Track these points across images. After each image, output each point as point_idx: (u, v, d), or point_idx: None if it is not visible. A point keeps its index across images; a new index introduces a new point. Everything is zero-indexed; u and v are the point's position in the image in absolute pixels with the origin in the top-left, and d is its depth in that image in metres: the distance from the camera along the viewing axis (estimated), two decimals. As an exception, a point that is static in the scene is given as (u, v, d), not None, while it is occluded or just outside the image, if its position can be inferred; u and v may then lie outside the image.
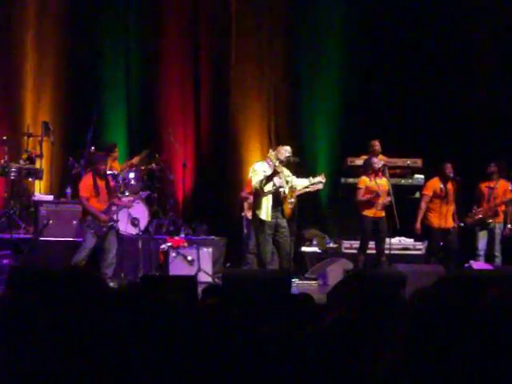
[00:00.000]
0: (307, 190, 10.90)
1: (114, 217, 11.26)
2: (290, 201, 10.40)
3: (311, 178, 10.75)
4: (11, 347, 3.44)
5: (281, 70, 14.93)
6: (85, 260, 10.92)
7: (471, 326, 3.09)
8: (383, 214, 11.31)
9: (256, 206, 10.38)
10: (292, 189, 10.44)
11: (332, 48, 14.79)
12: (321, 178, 10.74)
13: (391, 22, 14.35)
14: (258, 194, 10.27)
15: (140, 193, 12.23)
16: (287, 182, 10.36)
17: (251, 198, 11.49)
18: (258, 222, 10.36)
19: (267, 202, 10.24)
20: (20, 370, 3.29)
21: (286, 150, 10.51)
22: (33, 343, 3.35)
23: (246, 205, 12.03)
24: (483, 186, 12.04)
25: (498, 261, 11.79)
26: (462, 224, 11.90)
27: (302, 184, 10.69)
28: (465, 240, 11.99)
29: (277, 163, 10.18)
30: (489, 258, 11.85)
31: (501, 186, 11.96)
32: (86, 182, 11.17)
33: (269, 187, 10.20)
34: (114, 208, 11.21)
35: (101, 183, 11.11)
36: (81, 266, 10.74)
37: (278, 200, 10.28)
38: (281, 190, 10.25)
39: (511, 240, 12.09)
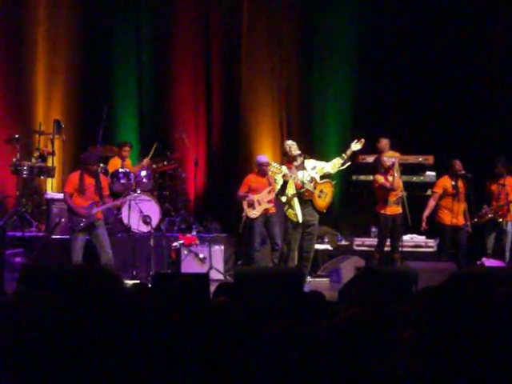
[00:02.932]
0: (347, 165, 10.97)
1: (108, 215, 11.31)
2: (320, 194, 10.60)
3: (343, 154, 10.84)
4: (24, 344, 3.45)
5: (292, 68, 14.92)
6: (80, 256, 10.82)
7: (483, 323, 3.08)
8: (400, 210, 11.29)
9: (287, 210, 10.72)
10: (318, 183, 10.59)
11: (344, 46, 14.75)
12: (353, 147, 10.85)
13: (403, 20, 14.31)
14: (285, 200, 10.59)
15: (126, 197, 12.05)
16: (311, 180, 10.52)
17: (250, 196, 11.56)
18: (293, 223, 10.69)
19: (295, 205, 10.46)
20: (32, 365, 3.31)
21: (288, 146, 10.80)
22: (45, 341, 3.36)
23: (244, 204, 11.98)
24: (493, 185, 11.98)
25: (507, 259, 11.76)
26: (474, 221, 11.85)
27: (335, 165, 10.81)
28: (476, 238, 11.95)
29: (284, 171, 10.39)
30: (498, 255, 11.79)
31: (510, 183, 11.91)
32: (71, 179, 11.06)
33: (291, 191, 10.42)
34: (100, 206, 11.03)
35: (89, 181, 10.98)
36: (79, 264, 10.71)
37: (304, 199, 10.48)
38: (302, 190, 10.43)
39: None
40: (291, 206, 10.59)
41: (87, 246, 10.99)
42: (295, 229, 10.71)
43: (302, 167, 10.64)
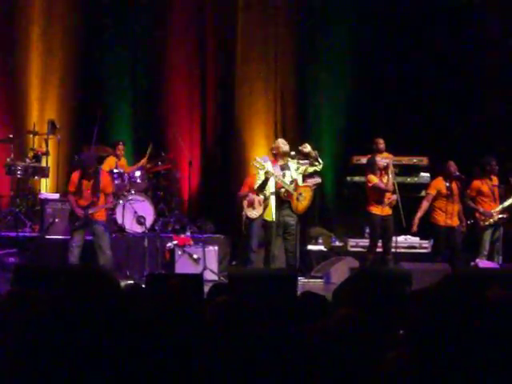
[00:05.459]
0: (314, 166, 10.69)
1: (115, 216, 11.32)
2: (298, 197, 10.43)
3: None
4: (17, 344, 3.44)
5: (287, 69, 14.92)
6: (77, 257, 10.79)
7: (476, 324, 3.09)
8: (390, 211, 11.29)
9: (263, 207, 10.58)
10: (299, 185, 10.45)
11: (340, 45, 14.74)
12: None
13: (401, 20, 14.30)
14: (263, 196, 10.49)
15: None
16: (293, 181, 10.37)
17: (250, 196, 11.52)
18: (264, 222, 10.62)
19: (271, 203, 10.34)
20: (26, 365, 3.30)
21: (277, 143, 10.66)
22: (38, 341, 3.36)
23: (245, 203, 11.90)
24: (483, 184, 11.89)
25: (498, 260, 11.75)
26: (471, 222, 11.81)
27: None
28: (470, 239, 11.95)
29: (268, 168, 10.19)
30: (491, 256, 11.77)
31: (496, 182, 11.92)
32: (72, 178, 11.09)
33: (270, 189, 10.30)
34: (95, 207, 11.02)
35: (86, 182, 10.97)
36: (77, 263, 10.69)
37: (282, 199, 10.35)
38: (282, 190, 10.30)
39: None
40: (268, 205, 10.46)
41: (86, 247, 10.97)
42: (270, 227, 10.44)
43: (286, 167, 10.49)
